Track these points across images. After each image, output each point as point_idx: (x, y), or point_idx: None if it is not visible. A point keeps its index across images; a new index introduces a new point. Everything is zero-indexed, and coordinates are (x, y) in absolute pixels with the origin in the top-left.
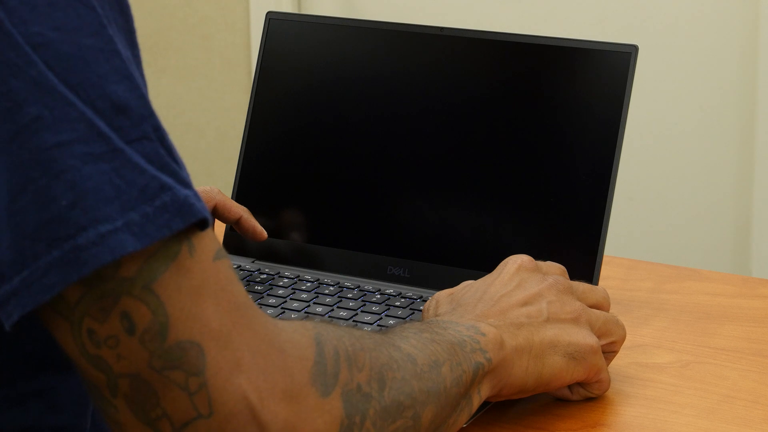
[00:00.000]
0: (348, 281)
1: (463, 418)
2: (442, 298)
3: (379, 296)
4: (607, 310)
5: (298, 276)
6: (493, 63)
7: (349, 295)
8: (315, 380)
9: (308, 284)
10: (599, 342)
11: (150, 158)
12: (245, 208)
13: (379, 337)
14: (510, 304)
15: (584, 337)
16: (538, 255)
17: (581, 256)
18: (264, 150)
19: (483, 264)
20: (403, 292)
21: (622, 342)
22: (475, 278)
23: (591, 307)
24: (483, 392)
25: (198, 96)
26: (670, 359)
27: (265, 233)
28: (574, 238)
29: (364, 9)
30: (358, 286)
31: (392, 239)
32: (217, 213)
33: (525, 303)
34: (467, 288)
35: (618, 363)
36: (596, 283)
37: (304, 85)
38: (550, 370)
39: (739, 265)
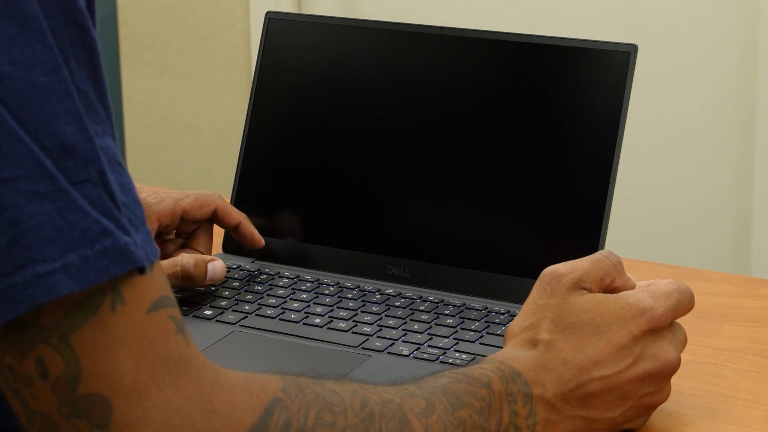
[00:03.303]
0: (348, 281)
1: None
2: (548, 311)
3: (379, 296)
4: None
5: (298, 276)
6: (493, 63)
7: (349, 295)
8: None
9: (308, 284)
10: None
11: (92, 202)
12: (244, 215)
13: (379, 409)
14: (599, 389)
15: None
16: (538, 254)
17: (581, 256)
18: (264, 150)
19: (483, 264)
20: (403, 292)
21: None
22: (476, 278)
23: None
24: None
25: (198, 96)
26: None
27: (262, 241)
28: (574, 238)
29: (364, 9)
30: (358, 286)
31: (392, 239)
32: (216, 218)
33: (614, 389)
34: (586, 324)
35: None
36: None
37: (304, 85)
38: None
39: (739, 265)
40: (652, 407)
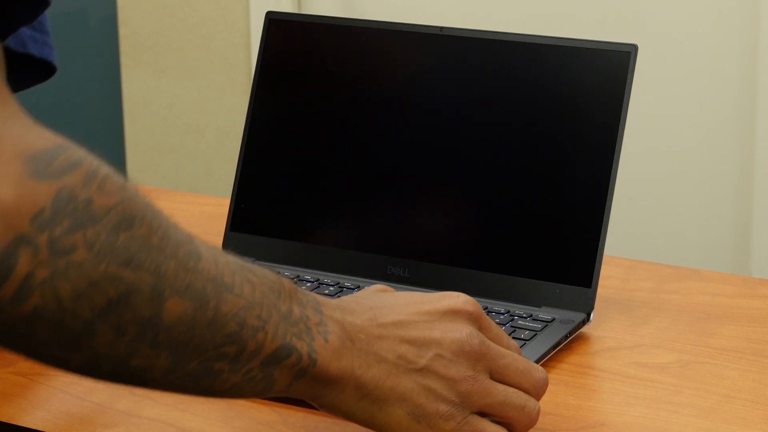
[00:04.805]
0: (348, 281)
1: (245, 388)
2: (377, 288)
3: None
4: (537, 395)
5: (298, 276)
6: (493, 63)
7: None
8: (30, 160)
9: (308, 284)
10: (464, 416)
11: None
12: None
13: (172, 226)
14: (394, 336)
15: (436, 404)
16: (539, 255)
17: (581, 256)
18: (264, 150)
19: (483, 264)
20: None
21: (525, 429)
22: (475, 278)
23: (511, 384)
24: (294, 389)
25: (198, 96)
26: (670, 359)
27: None
28: (574, 238)
29: (364, 9)
30: (358, 286)
31: (392, 239)
32: None
33: (412, 342)
34: (396, 295)
35: (618, 363)
36: (596, 284)
37: (304, 86)
38: (386, 419)
39: (739, 265)
40: (469, 396)
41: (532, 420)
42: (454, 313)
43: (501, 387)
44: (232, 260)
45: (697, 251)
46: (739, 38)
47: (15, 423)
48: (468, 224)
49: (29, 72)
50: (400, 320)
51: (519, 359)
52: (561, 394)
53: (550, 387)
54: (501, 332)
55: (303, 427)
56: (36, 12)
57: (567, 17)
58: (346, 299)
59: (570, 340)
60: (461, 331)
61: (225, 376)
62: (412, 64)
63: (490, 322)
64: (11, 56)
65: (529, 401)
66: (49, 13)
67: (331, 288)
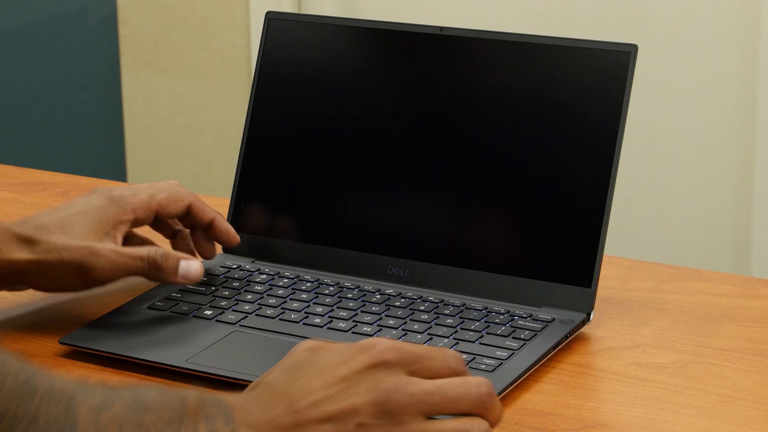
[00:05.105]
0: (348, 281)
1: None
2: (303, 348)
3: (379, 296)
4: (484, 410)
5: (298, 276)
6: (493, 62)
7: (349, 295)
8: None
9: (308, 284)
10: None
11: None
12: (217, 211)
13: (44, 390)
14: (311, 420)
15: None
16: (539, 255)
17: (581, 256)
18: (264, 150)
19: (483, 264)
20: (403, 292)
21: None
22: (475, 278)
23: (452, 415)
24: None
25: (198, 96)
26: (670, 359)
27: (237, 237)
28: (574, 238)
29: (363, 9)
30: (358, 286)
31: (392, 239)
32: (191, 213)
33: (330, 419)
34: (315, 360)
35: (618, 363)
36: (596, 284)
37: (303, 85)
38: None
39: (739, 265)
40: None
41: None
42: (372, 369)
43: (433, 428)
44: (122, 407)
45: (697, 251)
46: (739, 38)
47: None
48: (468, 224)
49: None
50: (315, 400)
51: (449, 387)
52: (561, 394)
53: (550, 387)
54: (430, 355)
55: None
56: None
57: (567, 17)
58: (261, 388)
59: (570, 340)
60: (378, 390)
61: None
62: (412, 64)
63: (414, 354)
64: None
65: (473, 427)
66: (49, 14)
67: (331, 288)
